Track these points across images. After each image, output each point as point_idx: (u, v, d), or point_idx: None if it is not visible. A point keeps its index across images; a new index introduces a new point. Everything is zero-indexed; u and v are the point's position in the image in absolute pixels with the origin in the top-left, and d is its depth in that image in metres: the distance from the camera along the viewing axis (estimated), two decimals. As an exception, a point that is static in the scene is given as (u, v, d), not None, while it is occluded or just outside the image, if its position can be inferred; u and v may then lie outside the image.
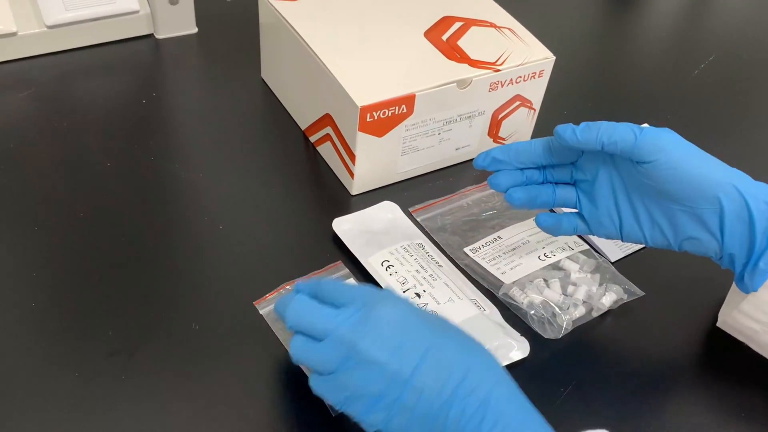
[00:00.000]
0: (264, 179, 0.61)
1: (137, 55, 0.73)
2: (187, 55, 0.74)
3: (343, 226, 0.55)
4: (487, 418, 0.37)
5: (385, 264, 0.52)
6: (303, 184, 0.61)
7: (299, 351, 0.41)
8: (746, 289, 0.45)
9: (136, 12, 0.73)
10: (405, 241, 0.54)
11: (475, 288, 0.52)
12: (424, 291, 0.50)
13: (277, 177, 0.61)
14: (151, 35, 0.75)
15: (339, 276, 0.52)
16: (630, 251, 0.57)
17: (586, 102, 0.74)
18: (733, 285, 0.49)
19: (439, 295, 0.50)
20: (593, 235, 0.51)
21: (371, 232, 0.55)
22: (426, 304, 0.49)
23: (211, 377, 0.46)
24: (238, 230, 0.56)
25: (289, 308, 0.41)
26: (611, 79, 0.78)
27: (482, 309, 0.50)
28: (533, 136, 0.67)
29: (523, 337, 0.49)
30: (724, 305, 0.49)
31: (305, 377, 0.46)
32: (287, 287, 0.51)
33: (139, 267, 0.52)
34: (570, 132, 0.46)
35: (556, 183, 0.51)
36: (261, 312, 0.50)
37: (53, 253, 0.53)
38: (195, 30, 0.76)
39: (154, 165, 0.61)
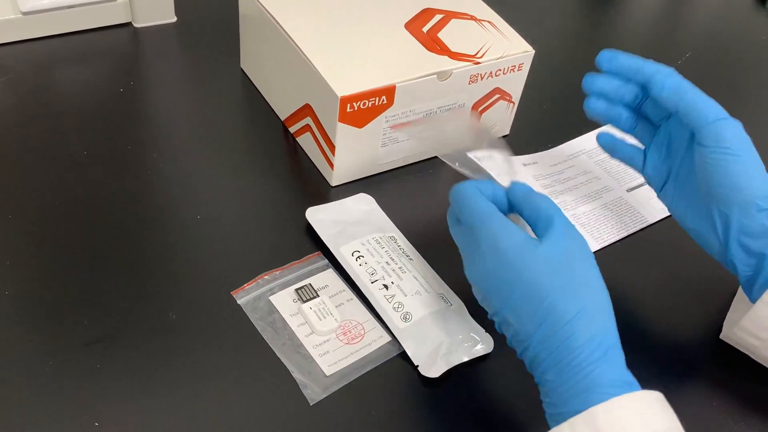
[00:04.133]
0: (243, 170, 0.61)
1: (115, 44, 0.72)
2: (166, 44, 0.74)
3: (317, 215, 0.55)
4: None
5: (356, 254, 0.52)
6: (282, 174, 0.61)
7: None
8: (750, 297, 0.46)
9: (114, 0, 0.72)
10: (377, 233, 0.54)
11: (443, 282, 0.52)
12: (392, 283, 0.50)
13: (256, 167, 0.61)
14: (129, 24, 0.74)
15: (317, 267, 0.52)
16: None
17: (566, 96, 0.75)
18: (735, 299, 0.50)
19: (406, 287, 0.50)
20: (641, 175, 0.54)
21: (345, 222, 0.55)
22: (393, 296, 0.50)
23: (189, 367, 0.46)
24: (216, 220, 0.56)
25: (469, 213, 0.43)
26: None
27: (449, 303, 0.50)
28: (512, 129, 0.68)
29: (487, 333, 0.49)
30: (726, 319, 0.51)
31: (284, 368, 0.46)
32: (265, 277, 0.51)
33: (115, 256, 0.52)
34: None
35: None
36: (239, 302, 0.49)
37: (28, 241, 0.52)
38: (174, 19, 0.76)
39: (132, 154, 0.60)
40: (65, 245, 0.52)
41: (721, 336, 0.51)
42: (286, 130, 0.65)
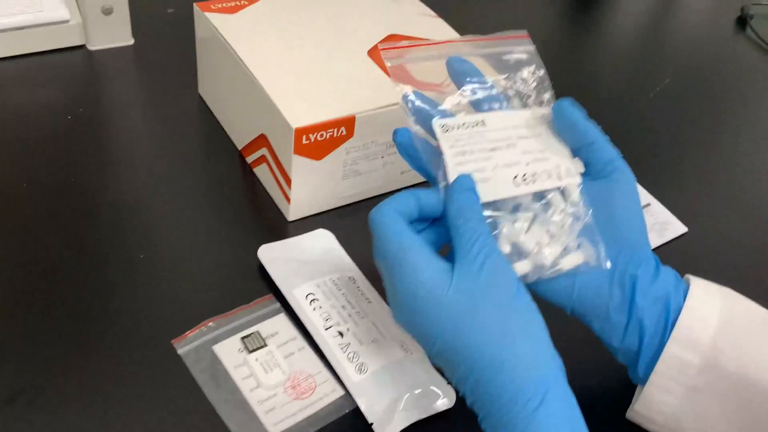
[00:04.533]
0: (195, 203, 0.57)
1: (67, 67, 0.69)
2: (122, 68, 0.70)
3: (270, 254, 0.51)
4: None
5: (310, 297, 0.48)
6: (237, 209, 0.57)
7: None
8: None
9: (66, 21, 0.68)
10: (335, 274, 0.50)
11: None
12: (348, 330, 0.47)
13: (209, 201, 0.57)
14: (83, 46, 0.71)
15: (267, 312, 0.48)
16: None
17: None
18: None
19: (363, 334, 0.46)
20: None
21: (300, 261, 0.51)
22: (348, 344, 0.46)
23: (122, 426, 0.42)
24: (161, 259, 0.52)
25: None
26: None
27: (409, 352, 0.46)
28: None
29: (449, 386, 0.45)
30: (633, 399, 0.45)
31: (225, 427, 0.42)
32: (209, 324, 0.47)
33: (48, 298, 0.47)
34: None
35: None
36: (179, 352, 0.45)
37: (-48, 283, 0.48)
38: (131, 42, 0.72)
39: (74, 186, 0.56)
40: (-8, 287, 0.48)
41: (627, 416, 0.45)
42: (243, 160, 0.61)
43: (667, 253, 0.58)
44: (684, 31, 0.95)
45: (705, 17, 0.99)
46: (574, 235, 0.41)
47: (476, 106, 0.44)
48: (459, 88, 0.44)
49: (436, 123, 0.42)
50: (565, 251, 0.41)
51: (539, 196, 0.41)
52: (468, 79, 0.44)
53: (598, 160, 0.42)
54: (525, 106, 0.44)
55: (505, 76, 0.45)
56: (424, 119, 0.42)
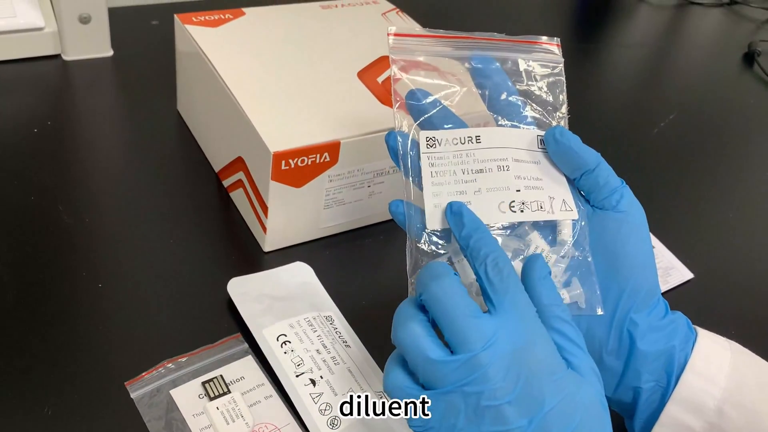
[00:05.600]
0: (164, 229, 0.52)
1: (39, 77, 0.65)
2: (98, 80, 0.66)
3: (240, 287, 0.47)
4: None
5: (282, 339, 0.43)
6: (210, 236, 0.53)
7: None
8: None
9: (41, 29, 0.64)
10: (311, 313, 0.46)
11: None
12: (321, 377, 0.42)
13: (180, 226, 0.53)
14: (58, 56, 0.67)
15: (234, 353, 0.44)
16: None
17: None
18: None
19: (338, 383, 0.42)
20: None
21: (274, 297, 0.46)
22: (320, 394, 0.41)
23: (57, 480, 0.37)
24: (119, 290, 0.47)
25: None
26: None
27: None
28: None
29: None
30: None
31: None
32: (168, 365, 0.42)
33: (-10, 331, 0.43)
34: None
35: None
36: (132, 395, 0.41)
37: None
38: (110, 53, 0.68)
39: (33, 205, 0.52)
40: (-70, 316, 0.43)
41: None
42: (220, 183, 0.57)
43: (670, 299, 0.54)
44: (690, 66, 0.92)
45: (712, 53, 0.96)
46: (559, 275, 0.37)
47: (492, 108, 0.40)
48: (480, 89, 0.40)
49: (422, 134, 0.38)
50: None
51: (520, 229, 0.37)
52: (492, 81, 0.40)
53: (602, 188, 0.38)
54: (535, 124, 0.40)
55: (523, 85, 0.41)
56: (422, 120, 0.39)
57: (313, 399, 0.41)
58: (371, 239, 0.55)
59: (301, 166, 0.48)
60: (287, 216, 0.50)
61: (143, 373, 0.42)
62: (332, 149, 0.48)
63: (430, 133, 0.38)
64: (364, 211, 0.54)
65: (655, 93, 0.84)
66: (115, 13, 0.67)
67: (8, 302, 0.45)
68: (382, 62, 0.55)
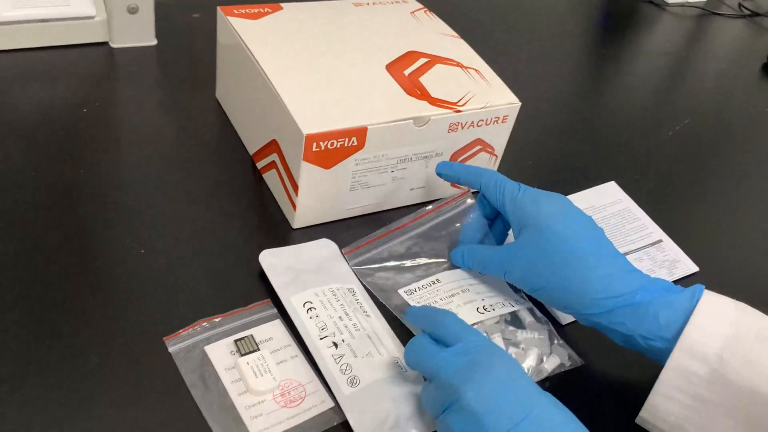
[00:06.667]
0: (201, 205, 0.56)
1: (88, 63, 0.69)
2: (142, 67, 0.71)
3: (270, 259, 0.50)
4: None
5: (307, 306, 0.47)
6: (243, 213, 0.57)
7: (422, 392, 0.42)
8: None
9: (92, 17, 0.69)
10: (335, 284, 0.49)
11: (401, 345, 0.47)
12: (343, 341, 0.46)
13: (216, 203, 0.57)
14: (106, 43, 0.71)
15: (264, 316, 0.48)
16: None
17: (554, 153, 0.71)
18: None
19: (358, 347, 0.46)
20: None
21: (301, 269, 0.50)
22: (342, 356, 0.45)
23: (101, 421, 0.41)
24: (161, 257, 0.51)
25: (406, 349, 0.43)
26: (583, 135, 0.75)
27: (403, 369, 0.45)
28: (495, 183, 0.64)
29: None
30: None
31: (207, 428, 0.41)
32: (203, 324, 0.46)
33: (43, 287, 0.47)
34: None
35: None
36: (170, 350, 0.45)
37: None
38: (154, 42, 0.73)
39: (81, 179, 0.56)
40: (-10, 271, 0.47)
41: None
42: (254, 165, 0.61)
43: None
44: (709, 75, 0.95)
45: (731, 63, 0.98)
46: (543, 347, 0.49)
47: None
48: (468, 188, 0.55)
49: (401, 291, 0.51)
50: (543, 359, 0.48)
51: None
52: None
53: (504, 204, 0.50)
54: None
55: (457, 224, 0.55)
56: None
57: (334, 360, 0.45)
58: (393, 222, 0.58)
59: (330, 149, 0.51)
60: (315, 195, 0.54)
61: (180, 330, 0.46)
62: (359, 134, 0.52)
63: (406, 288, 0.52)
64: (386, 195, 0.58)
65: (672, 99, 0.87)
66: (160, 5, 0.72)
67: (61, 265, 0.49)
68: (409, 56, 0.59)
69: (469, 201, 0.56)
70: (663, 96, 0.87)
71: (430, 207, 0.55)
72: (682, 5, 1.09)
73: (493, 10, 0.97)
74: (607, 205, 0.63)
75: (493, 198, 0.50)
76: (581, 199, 0.62)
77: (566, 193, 0.65)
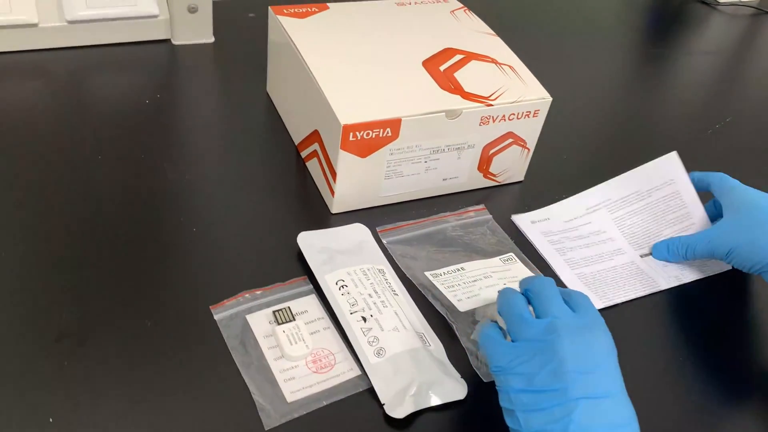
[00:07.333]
0: (249, 189, 0.61)
1: (151, 58, 0.75)
2: (200, 63, 0.76)
3: (308, 240, 0.55)
4: None
5: (340, 283, 0.51)
6: (287, 198, 0.61)
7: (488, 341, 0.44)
8: None
9: (156, 16, 0.75)
10: (366, 265, 0.53)
11: (426, 323, 0.51)
12: (371, 316, 0.49)
13: (262, 188, 0.61)
14: (168, 40, 0.77)
15: (300, 291, 0.52)
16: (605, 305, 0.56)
17: (588, 148, 0.73)
18: None
19: (385, 321, 0.49)
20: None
21: (335, 250, 0.54)
22: (370, 329, 0.49)
23: (152, 378, 0.46)
24: (210, 234, 0.56)
25: (498, 299, 0.46)
26: (618, 130, 0.77)
27: (427, 344, 0.49)
28: (527, 176, 0.66)
29: (462, 379, 0.47)
30: None
31: (247, 389, 0.45)
32: (246, 295, 0.51)
33: (103, 255, 0.53)
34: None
35: None
36: (215, 317, 0.49)
37: (24, 232, 0.53)
38: (212, 40, 0.78)
39: (143, 161, 0.62)
40: (57, 238, 0.53)
41: None
42: (298, 154, 0.65)
43: (705, 286, 0.59)
44: (758, 75, 0.94)
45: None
46: None
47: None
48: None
49: (427, 274, 0.55)
50: None
51: None
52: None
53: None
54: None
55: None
56: None
57: (363, 332, 0.49)
58: (426, 210, 0.62)
59: (366, 139, 0.55)
60: (352, 183, 0.58)
61: (225, 300, 0.50)
62: (394, 125, 0.55)
63: (432, 272, 0.56)
64: (420, 184, 0.61)
65: (717, 97, 0.87)
66: (217, 5, 0.77)
67: (122, 239, 0.54)
68: (446, 53, 0.62)
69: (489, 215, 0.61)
70: (708, 94, 0.88)
71: (470, 209, 0.62)
72: (734, 4, 1.08)
73: (539, 10, 0.98)
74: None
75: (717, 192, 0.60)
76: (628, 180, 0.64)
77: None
